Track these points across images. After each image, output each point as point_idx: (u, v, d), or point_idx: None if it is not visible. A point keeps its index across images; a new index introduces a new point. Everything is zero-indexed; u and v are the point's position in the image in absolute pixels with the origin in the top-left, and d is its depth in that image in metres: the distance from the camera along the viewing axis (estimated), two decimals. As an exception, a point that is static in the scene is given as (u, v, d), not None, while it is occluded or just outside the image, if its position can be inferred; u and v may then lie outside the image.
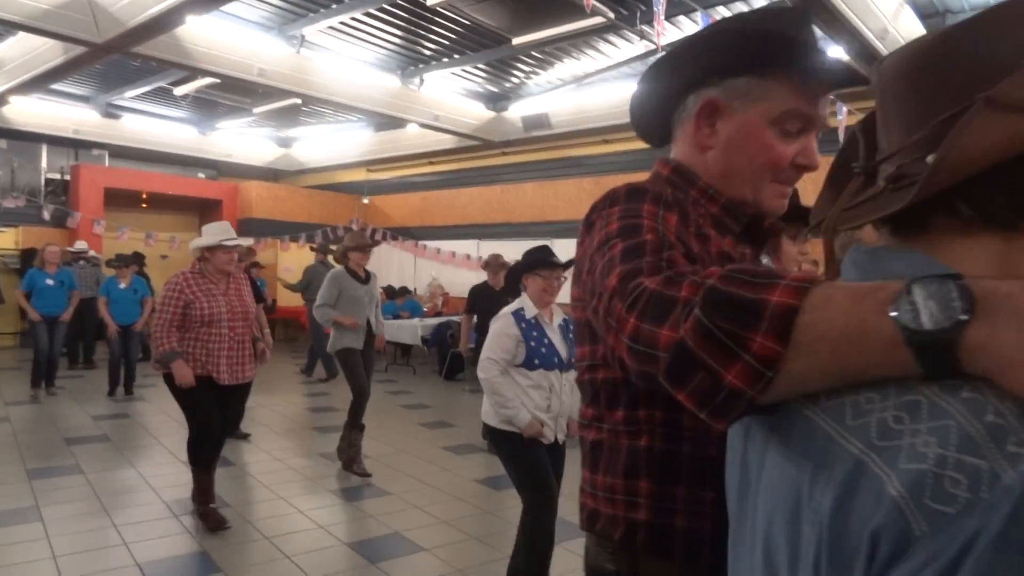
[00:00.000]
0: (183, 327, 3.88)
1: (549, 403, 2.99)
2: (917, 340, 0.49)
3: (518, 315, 3.03)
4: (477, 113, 11.15)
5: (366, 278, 5.28)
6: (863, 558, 0.48)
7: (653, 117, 1.16)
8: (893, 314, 0.50)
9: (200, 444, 3.92)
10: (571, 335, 3.04)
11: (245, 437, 5.97)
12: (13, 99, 10.39)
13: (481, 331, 5.68)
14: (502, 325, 3.01)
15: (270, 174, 15.49)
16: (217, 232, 4.00)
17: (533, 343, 2.98)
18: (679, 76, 1.08)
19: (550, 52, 9.10)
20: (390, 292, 11.78)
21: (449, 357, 9.43)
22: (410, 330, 9.62)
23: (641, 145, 8.04)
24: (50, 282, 7.55)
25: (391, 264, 14.34)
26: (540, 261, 3.11)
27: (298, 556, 3.52)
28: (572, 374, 2.93)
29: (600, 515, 1.05)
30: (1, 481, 4.56)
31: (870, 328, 0.52)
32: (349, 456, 4.96)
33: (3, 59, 8.95)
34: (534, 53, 9.15)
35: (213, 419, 3.93)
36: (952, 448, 0.45)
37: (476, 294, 6.54)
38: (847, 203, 0.65)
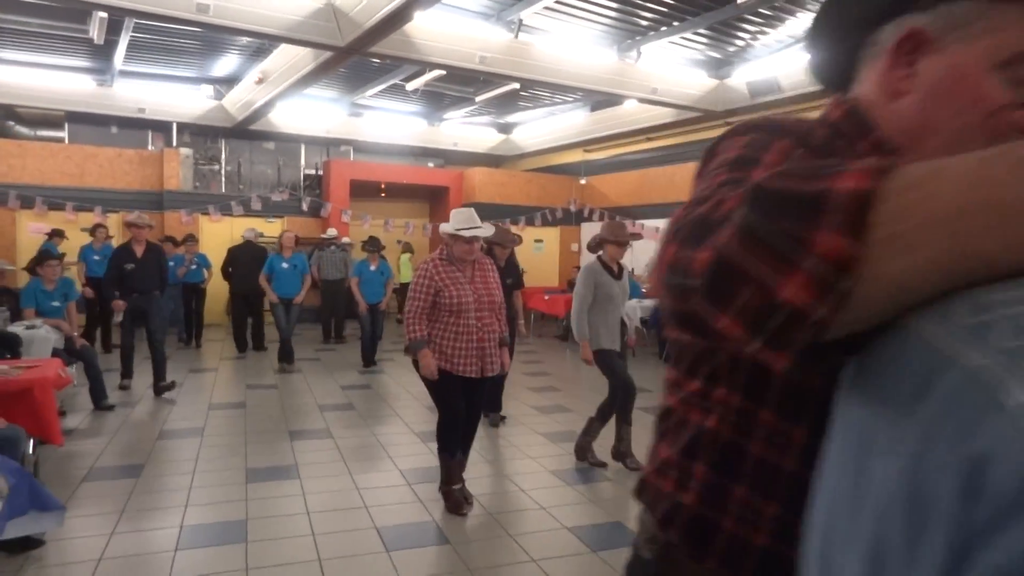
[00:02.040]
0: (432, 316, 3.78)
1: None
2: None
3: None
4: (697, 83, 10.56)
5: (619, 273, 4.79)
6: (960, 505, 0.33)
7: (836, 49, 0.86)
8: None
9: (446, 431, 3.88)
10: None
11: (502, 420, 5.86)
12: (278, 105, 11.86)
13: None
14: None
15: (492, 160, 16.12)
16: (458, 220, 3.81)
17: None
18: None
19: (780, 7, 8.28)
20: (607, 272, 11.67)
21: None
22: (629, 311, 9.41)
23: None
24: (285, 266, 8.30)
25: (608, 244, 14.23)
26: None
27: (520, 536, 3.53)
28: None
29: (649, 486, 0.94)
30: (268, 440, 5.20)
31: (1010, 193, 0.41)
32: (582, 444, 4.83)
33: (268, 71, 10.21)
34: (761, 10, 8.39)
35: (459, 409, 3.83)
36: None
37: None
38: None
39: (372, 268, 8.60)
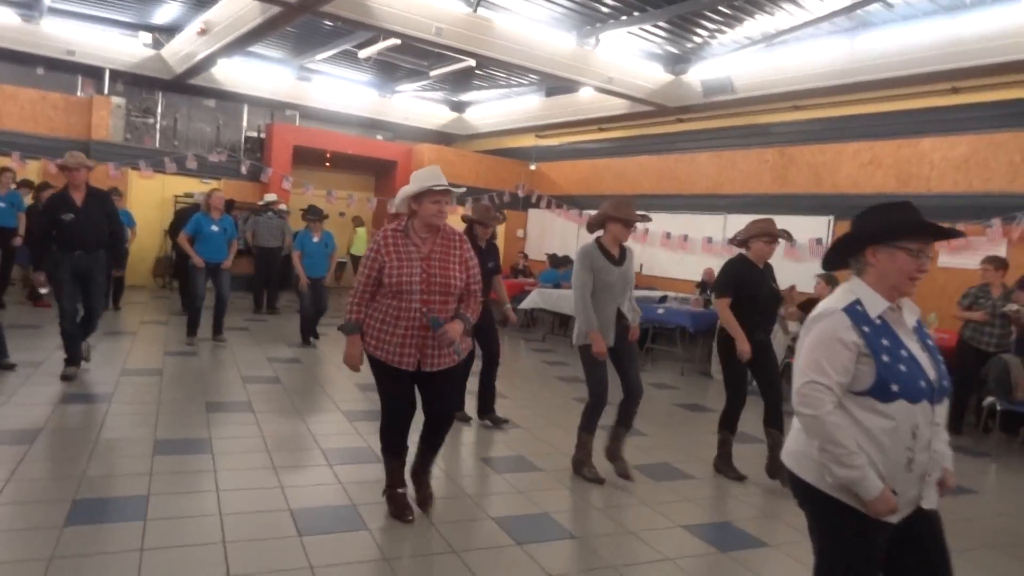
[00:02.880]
0: (375, 294, 3.29)
1: (912, 456, 1.87)
2: None
3: (854, 311, 1.92)
4: (654, 76, 10.53)
5: (620, 258, 4.19)
6: None
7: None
8: None
9: (387, 429, 3.43)
10: (930, 341, 2.03)
11: (467, 420, 5.32)
12: (221, 61, 11.28)
13: (746, 322, 4.35)
14: (830, 327, 1.92)
15: (442, 138, 15.82)
16: (425, 177, 3.24)
17: (887, 357, 1.87)
18: None
19: (740, 6, 8.30)
20: (552, 260, 11.60)
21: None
22: (571, 301, 9.33)
23: (834, 113, 7.15)
24: (215, 228, 7.43)
25: (554, 231, 14.17)
26: (906, 225, 1.95)
27: (442, 525, 3.39)
28: (945, 406, 1.97)
29: None
30: (182, 412, 4.90)
31: None
32: (579, 457, 4.29)
33: (211, 22, 9.67)
34: (722, 8, 8.39)
35: (401, 404, 3.38)
36: None
37: (736, 271, 4.46)
38: None
39: (315, 240, 8.03)
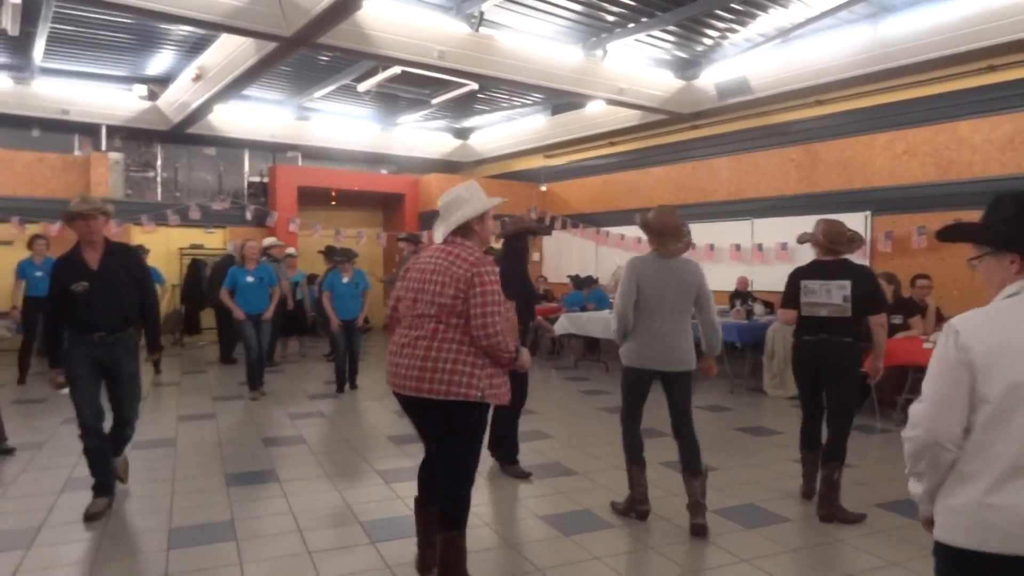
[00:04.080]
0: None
1: None
2: None
3: None
4: (665, 83, 10.13)
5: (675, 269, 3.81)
6: None
7: None
8: None
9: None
10: None
11: (525, 477, 4.71)
12: (217, 108, 10.98)
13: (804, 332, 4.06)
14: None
15: (448, 166, 15.47)
16: (479, 195, 2.94)
17: None
18: None
19: (751, 3, 7.89)
20: (576, 282, 11.12)
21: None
22: (600, 323, 8.84)
23: (861, 104, 6.58)
24: (250, 279, 7.35)
25: (571, 252, 13.71)
26: None
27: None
28: None
29: None
30: (200, 490, 4.42)
31: None
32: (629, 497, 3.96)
33: (206, 67, 9.37)
34: (732, 5, 7.98)
35: (426, 445, 3.02)
36: None
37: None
38: None
39: (345, 280, 7.73)
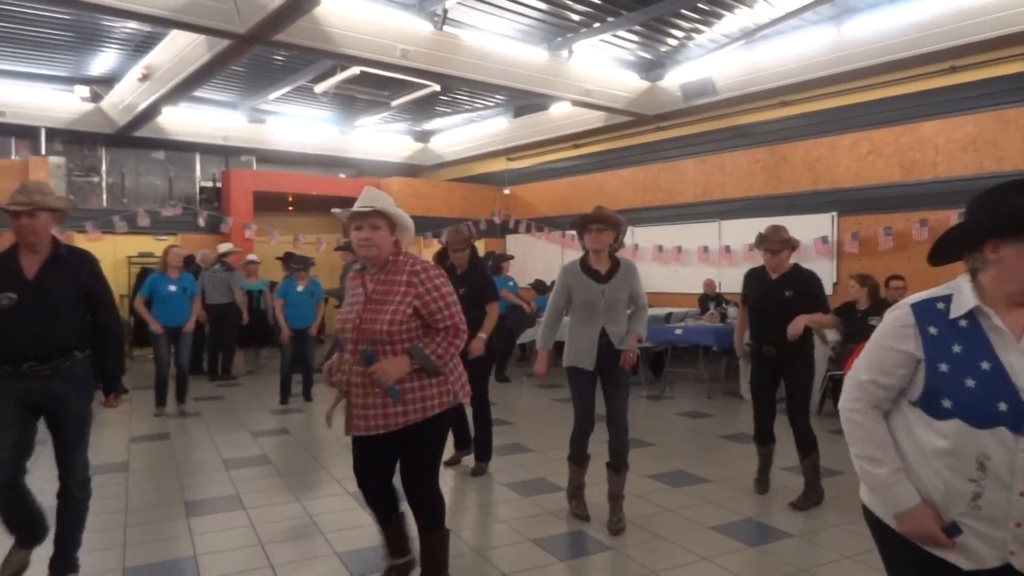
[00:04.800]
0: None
1: (979, 491, 1.49)
2: None
3: (927, 308, 1.61)
4: (629, 85, 10.04)
5: (609, 275, 3.79)
6: None
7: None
8: None
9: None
10: None
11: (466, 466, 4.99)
12: (166, 110, 10.49)
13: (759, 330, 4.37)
14: (887, 321, 1.67)
15: (409, 170, 15.15)
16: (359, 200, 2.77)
17: (947, 366, 1.54)
18: None
19: (716, 3, 7.84)
20: (539, 287, 10.93)
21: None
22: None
23: (826, 105, 6.56)
24: (172, 288, 6.74)
25: (536, 256, 13.53)
26: None
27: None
28: None
29: None
30: (156, 521, 4.07)
31: None
32: (568, 491, 4.12)
33: (153, 66, 8.90)
34: (699, 5, 7.91)
35: (365, 478, 2.88)
36: None
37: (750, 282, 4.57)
38: None
39: (300, 288, 7.52)
